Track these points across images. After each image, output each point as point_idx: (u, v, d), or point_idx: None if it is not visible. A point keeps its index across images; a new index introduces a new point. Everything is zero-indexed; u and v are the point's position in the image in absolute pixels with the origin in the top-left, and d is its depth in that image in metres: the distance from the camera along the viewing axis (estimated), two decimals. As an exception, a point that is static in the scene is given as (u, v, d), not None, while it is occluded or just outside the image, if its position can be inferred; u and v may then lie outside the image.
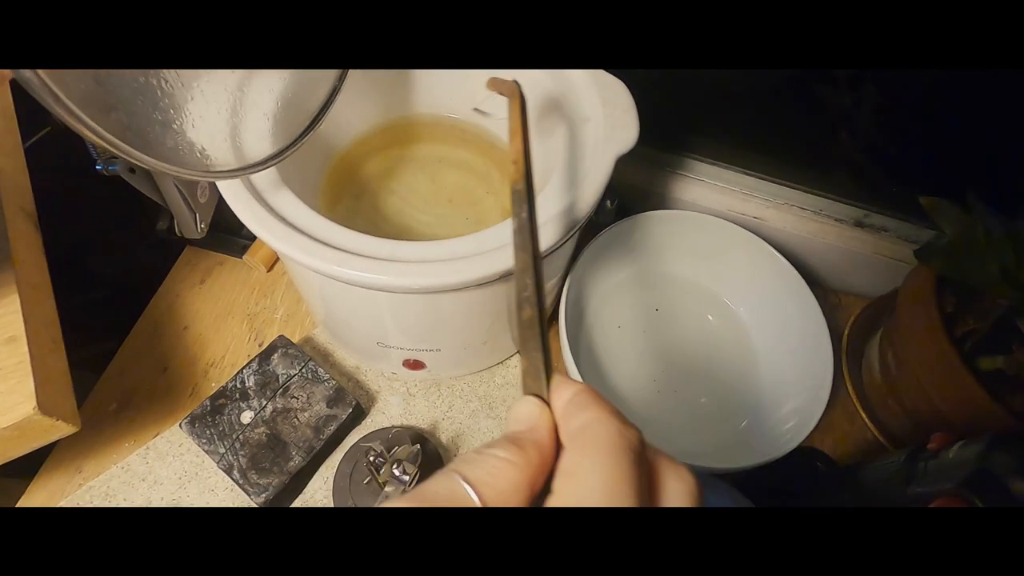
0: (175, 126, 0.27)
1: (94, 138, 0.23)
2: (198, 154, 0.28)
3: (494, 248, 0.30)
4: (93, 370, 0.45)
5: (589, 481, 0.15)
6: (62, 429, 0.30)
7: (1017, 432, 0.29)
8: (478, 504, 0.15)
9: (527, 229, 0.21)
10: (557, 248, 0.32)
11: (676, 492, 0.16)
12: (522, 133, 0.24)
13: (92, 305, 0.50)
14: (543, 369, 0.17)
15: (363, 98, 0.43)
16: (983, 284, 0.39)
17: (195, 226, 0.43)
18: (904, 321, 0.42)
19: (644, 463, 0.16)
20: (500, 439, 0.16)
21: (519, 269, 0.20)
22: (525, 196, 0.22)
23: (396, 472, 0.34)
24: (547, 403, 0.17)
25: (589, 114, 0.36)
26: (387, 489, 0.35)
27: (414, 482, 0.35)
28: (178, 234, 0.44)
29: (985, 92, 0.46)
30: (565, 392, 0.17)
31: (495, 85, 0.31)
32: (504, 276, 0.31)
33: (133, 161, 0.25)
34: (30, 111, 0.41)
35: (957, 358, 0.38)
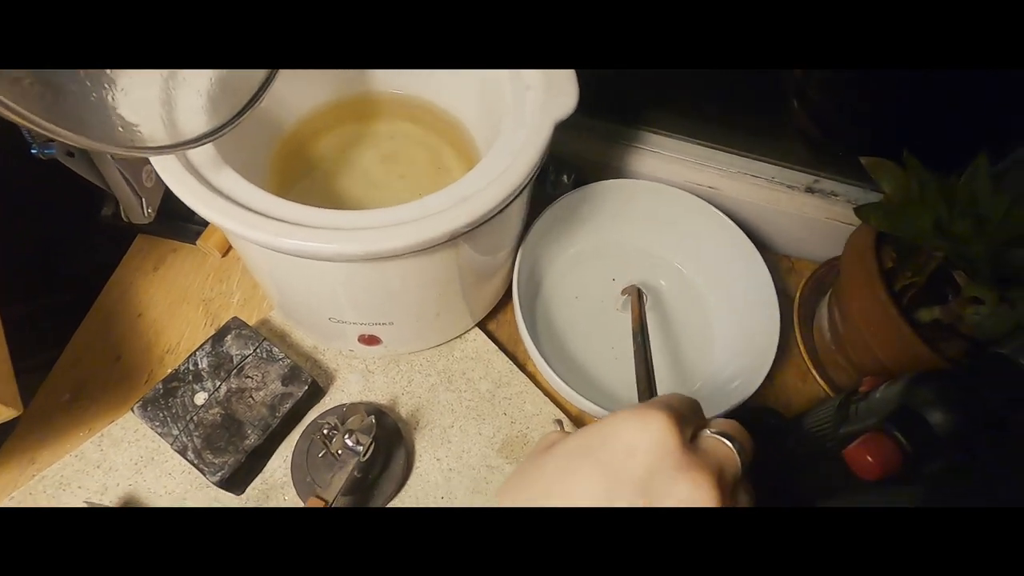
0: (100, 99, 0.27)
1: (12, 117, 0.22)
2: (126, 129, 0.28)
3: (436, 212, 0.30)
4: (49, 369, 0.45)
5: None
6: (3, 413, 0.30)
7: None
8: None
9: (642, 352, 0.36)
10: (497, 213, 0.32)
11: (728, 423, 0.23)
12: (640, 310, 0.41)
13: (46, 308, 0.49)
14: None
15: (310, 77, 0.43)
16: (918, 237, 0.41)
17: (142, 211, 0.42)
18: (847, 277, 0.43)
19: (698, 407, 0.25)
20: None
21: (638, 363, 0.35)
22: (640, 332, 0.37)
23: (349, 443, 0.34)
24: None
25: (530, 82, 0.36)
26: (341, 458, 0.35)
27: (368, 452, 0.35)
28: (125, 219, 0.44)
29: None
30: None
31: (626, 291, 0.47)
32: (448, 240, 0.31)
33: (62, 140, 0.24)
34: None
35: (894, 309, 0.39)
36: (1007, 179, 0.40)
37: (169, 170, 0.30)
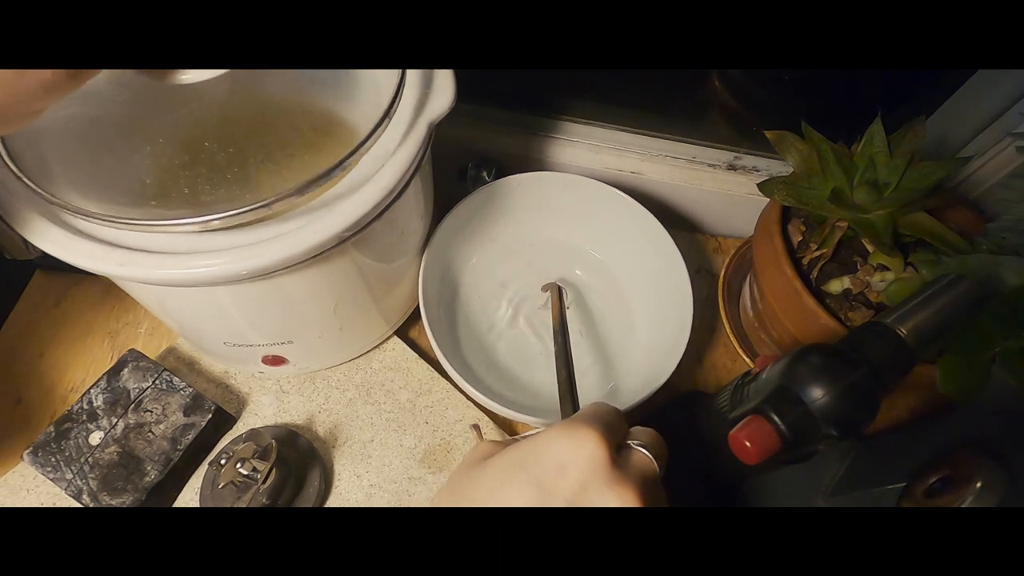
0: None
1: None
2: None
3: (311, 221, 0.29)
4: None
5: (585, 410, 0.25)
6: None
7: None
8: None
9: (563, 353, 0.35)
10: (376, 217, 0.31)
11: (644, 433, 0.25)
12: (559, 308, 0.40)
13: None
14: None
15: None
16: (820, 208, 0.40)
17: (24, 246, 0.40)
18: (758, 253, 0.43)
19: (621, 417, 0.25)
20: None
21: (559, 365, 0.34)
22: (560, 331, 0.37)
23: (243, 471, 0.33)
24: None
25: (408, 80, 0.35)
26: (241, 486, 0.33)
27: (268, 478, 0.34)
28: (9, 256, 0.42)
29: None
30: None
31: (546, 288, 0.47)
32: (330, 249, 0.30)
33: None
34: None
35: (799, 282, 0.39)
36: (902, 144, 0.40)
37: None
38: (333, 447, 0.42)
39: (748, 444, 0.25)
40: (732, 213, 0.59)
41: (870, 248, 0.42)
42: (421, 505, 0.40)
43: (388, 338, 0.46)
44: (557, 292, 0.43)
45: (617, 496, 0.21)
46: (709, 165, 0.58)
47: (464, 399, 0.44)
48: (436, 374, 0.45)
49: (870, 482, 0.37)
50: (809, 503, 0.41)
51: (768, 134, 0.44)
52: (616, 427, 0.24)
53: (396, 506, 0.40)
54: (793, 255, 0.41)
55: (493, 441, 0.25)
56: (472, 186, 0.51)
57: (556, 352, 0.35)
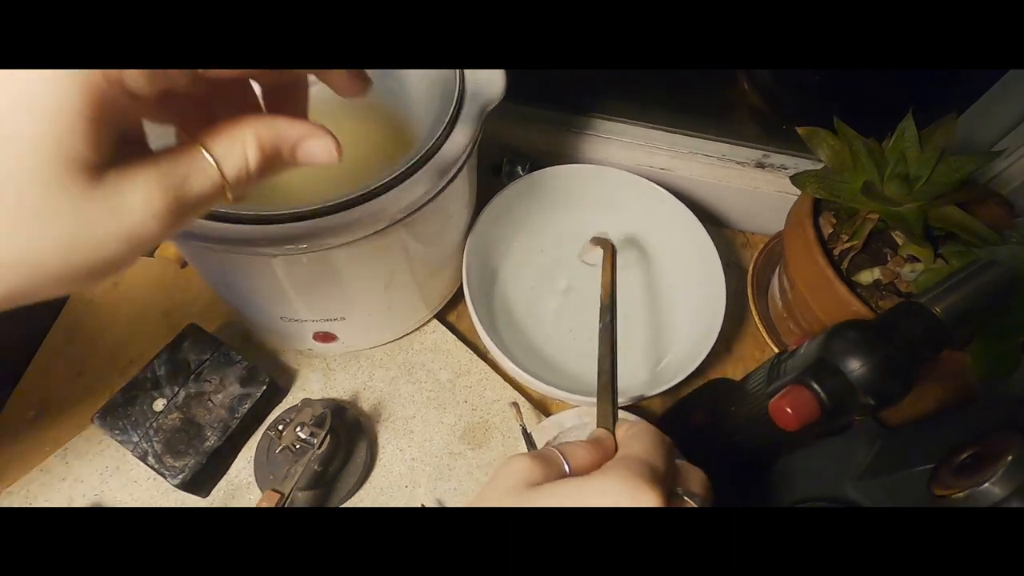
0: None
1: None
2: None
3: (371, 201, 0.31)
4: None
5: (636, 446, 0.23)
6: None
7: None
8: (567, 470, 0.23)
9: (608, 331, 0.32)
10: (429, 200, 0.33)
11: (694, 478, 0.24)
12: (611, 273, 0.37)
13: (8, 328, 0.49)
14: (611, 415, 0.28)
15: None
16: (852, 201, 0.42)
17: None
18: (789, 245, 0.44)
19: (673, 454, 0.24)
20: (586, 440, 0.25)
21: (601, 355, 0.31)
22: (609, 308, 0.34)
23: (302, 435, 0.35)
24: (612, 433, 0.26)
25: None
26: (298, 451, 0.35)
27: (323, 444, 0.36)
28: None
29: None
30: (625, 425, 0.25)
31: (596, 242, 0.42)
32: (384, 228, 0.32)
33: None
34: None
35: (831, 271, 0.40)
36: (933, 139, 0.41)
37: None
38: (377, 422, 0.44)
39: (789, 411, 0.26)
40: (759, 211, 0.60)
41: (899, 240, 0.43)
42: (461, 479, 0.42)
43: (428, 321, 0.48)
44: (611, 251, 0.39)
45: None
46: (738, 163, 0.60)
47: (502, 381, 0.46)
48: (475, 356, 0.47)
49: (899, 465, 0.38)
50: (837, 487, 0.42)
51: (800, 130, 0.46)
52: (668, 471, 0.23)
53: (437, 479, 0.42)
54: (824, 246, 0.42)
55: (528, 457, 0.23)
56: (507, 180, 0.53)
57: (601, 332, 0.32)
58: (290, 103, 0.21)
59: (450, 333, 0.48)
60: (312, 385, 0.45)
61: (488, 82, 0.36)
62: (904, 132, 0.41)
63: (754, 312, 0.51)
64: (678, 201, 0.49)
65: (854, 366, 0.26)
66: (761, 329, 0.50)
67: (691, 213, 0.48)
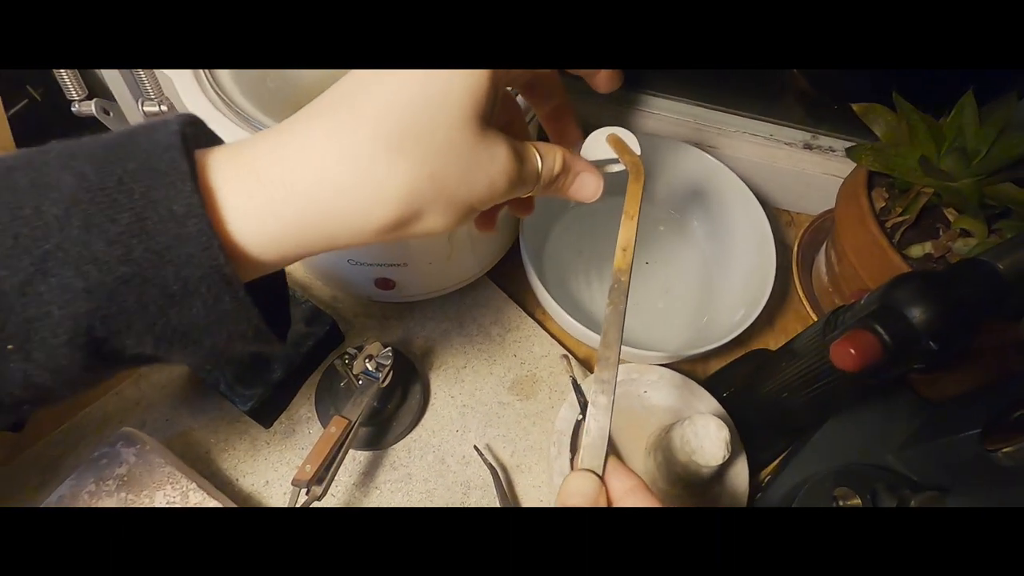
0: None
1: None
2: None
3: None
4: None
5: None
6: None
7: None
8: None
9: (621, 324, 0.23)
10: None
11: None
12: (637, 217, 0.25)
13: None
14: (604, 451, 0.21)
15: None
16: (907, 175, 0.42)
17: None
18: (841, 216, 0.45)
19: None
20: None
21: (602, 357, 0.22)
22: (627, 289, 0.24)
23: (368, 366, 0.37)
24: (601, 478, 0.21)
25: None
26: (361, 386, 0.37)
27: (387, 379, 0.38)
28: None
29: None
30: (624, 482, 0.21)
31: (618, 147, 0.27)
32: None
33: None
34: (7, 83, 0.43)
35: (885, 240, 0.41)
36: (992, 116, 0.41)
37: (199, 105, 0.33)
38: (430, 369, 0.45)
39: (852, 351, 0.27)
40: (805, 191, 0.61)
41: (951, 217, 0.43)
42: (509, 427, 0.44)
43: (479, 278, 0.49)
44: (639, 177, 0.26)
45: None
46: (786, 143, 0.60)
47: (549, 337, 0.47)
48: (523, 313, 0.48)
49: (944, 434, 0.39)
50: (878, 456, 0.43)
51: (855, 106, 0.47)
52: None
53: (487, 425, 0.43)
54: (877, 217, 0.43)
55: (589, 476, 0.21)
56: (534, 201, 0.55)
57: (612, 291, 0.24)
58: (566, 117, 0.28)
59: (500, 290, 0.49)
60: (368, 332, 0.47)
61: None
62: (964, 108, 0.41)
63: (798, 287, 0.52)
64: (732, 173, 0.50)
65: (917, 312, 0.27)
66: (805, 303, 0.51)
67: (745, 186, 0.49)
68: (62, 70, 0.39)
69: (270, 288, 0.22)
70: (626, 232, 0.25)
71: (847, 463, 0.42)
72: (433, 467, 0.42)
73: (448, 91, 0.19)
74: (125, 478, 0.36)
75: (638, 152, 0.26)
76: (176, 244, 0.16)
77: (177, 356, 0.19)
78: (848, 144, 0.60)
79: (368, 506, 0.40)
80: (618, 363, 0.22)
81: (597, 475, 0.21)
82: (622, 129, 0.27)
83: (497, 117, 0.23)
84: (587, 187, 0.25)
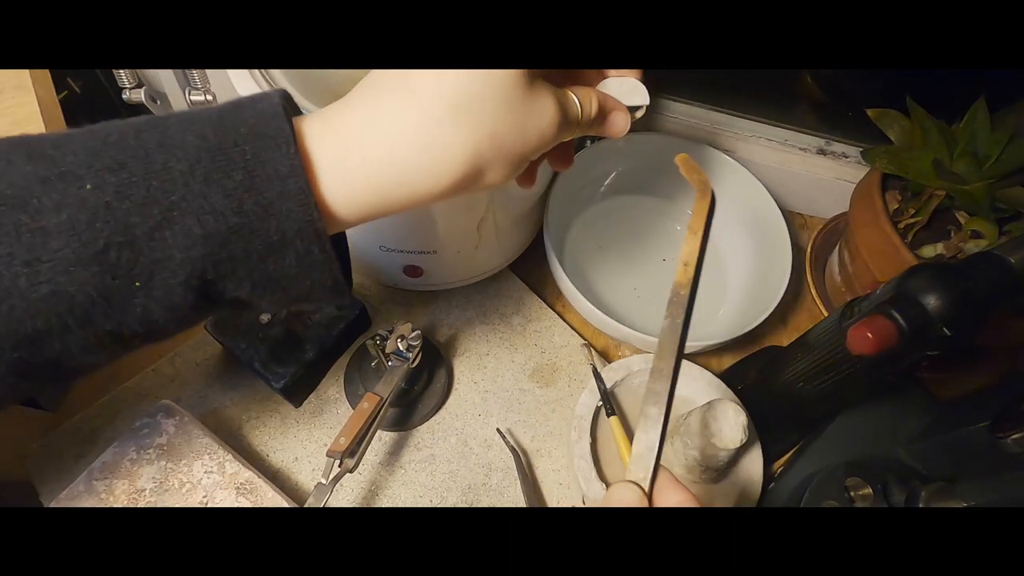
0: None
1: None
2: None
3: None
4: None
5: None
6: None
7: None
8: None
9: (678, 337, 0.22)
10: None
11: None
12: (703, 235, 0.25)
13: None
14: (654, 462, 0.21)
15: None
16: (920, 177, 0.44)
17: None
18: (855, 216, 0.47)
19: None
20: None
21: (656, 368, 0.22)
22: (686, 303, 0.23)
23: (400, 346, 0.38)
24: (646, 493, 0.21)
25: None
26: (390, 364, 0.39)
27: (416, 360, 0.39)
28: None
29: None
30: (673, 495, 0.21)
31: (688, 169, 0.27)
32: None
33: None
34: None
35: (898, 239, 0.42)
36: (1003, 122, 0.43)
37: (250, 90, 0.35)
38: (454, 356, 0.47)
39: (869, 335, 0.28)
40: (817, 195, 0.62)
41: (962, 219, 0.45)
42: (529, 412, 0.45)
43: (501, 270, 0.51)
44: (710, 198, 0.25)
45: None
46: (800, 149, 0.62)
47: (568, 328, 0.49)
48: (544, 305, 0.50)
49: (952, 428, 0.40)
50: (889, 450, 0.44)
51: (870, 112, 0.48)
52: None
53: (508, 410, 0.45)
54: (891, 218, 0.44)
55: (633, 487, 0.21)
56: (574, 151, 0.57)
57: (665, 330, 0.23)
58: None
59: (521, 282, 0.51)
60: (394, 318, 0.48)
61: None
62: (976, 114, 0.43)
63: (811, 286, 0.53)
64: (751, 175, 0.51)
65: (932, 299, 0.29)
66: (818, 302, 0.52)
67: (763, 188, 0.51)
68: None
69: (338, 246, 0.24)
70: (688, 247, 0.25)
71: (858, 455, 0.43)
72: (456, 449, 0.43)
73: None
74: (165, 447, 0.37)
75: (646, 101, 0.28)
76: (279, 200, 0.19)
77: (266, 302, 0.21)
78: (860, 149, 0.61)
79: (393, 484, 0.41)
80: (674, 377, 0.22)
81: (642, 488, 0.20)
82: (625, 78, 0.28)
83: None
84: (618, 123, 0.27)
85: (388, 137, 0.20)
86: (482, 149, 0.21)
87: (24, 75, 0.41)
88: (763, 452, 0.42)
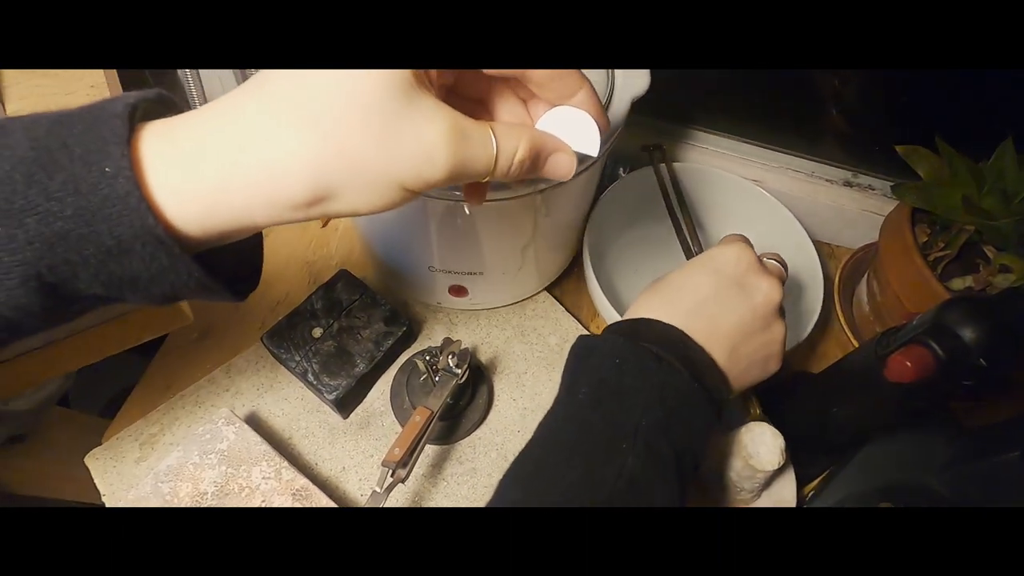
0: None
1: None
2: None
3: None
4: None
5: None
6: (180, 317, 0.37)
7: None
8: None
9: None
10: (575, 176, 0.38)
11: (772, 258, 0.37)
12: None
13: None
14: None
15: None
16: (950, 213, 0.45)
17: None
18: (885, 249, 0.48)
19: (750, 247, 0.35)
20: None
21: None
22: None
23: (451, 363, 0.40)
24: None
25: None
26: (438, 379, 0.41)
27: (464, 375, 0.41)
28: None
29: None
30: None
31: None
32: (531, 193, 0.37)
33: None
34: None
35: (929, 272, 0.44)
36: (1031, 161, 0.44)
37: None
38: (494, 373, 0.49)
39: (908, 364, 0.30)
40: (843, 226, 0.64)
41: (990, 253, 0.46)
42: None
43: (539, 292, 0.53)
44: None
45: (765, 281, 0.32)
46: (826, 180, 0.64)
47: (604, 350, 0.50)
48: (581, 326, 0.52)
49: (982, 456, 0.41)
50: (919, 479, 0.45)
51: (899, 148, 0.50)
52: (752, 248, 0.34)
53: (546, 428, 0.46)
54: (921, 251, 0.46)
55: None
56: (609, 182, 0.59)
57: None
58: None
59: (559, 304, 0.53)
60: (436, 335, 0.50)
61: (634, 77, 0.42)
62: (1004, 152, 0.45)
63: (840, 315, 0.55)
64: (781, 206, 0.53)
65: (969, 331, 0.30)
66: (846, 330, 0.54)
67: (794, 218, 0.53)
68: (188, 81, 0.44)
69: (242, 253, 0.24)
70: None
71: (889, 482, 0.44)
72: (496, 464, 0.45)
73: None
74: (225, 453, 0.39)
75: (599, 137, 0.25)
76: (106, 203, 0.17)
77: (133, 299, 0.20)
78: (886, 183, 0.63)
79: (436, 495, 0.43)
80: None
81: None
82: (577, 110, 0.25)
83: (468, 89, 0.24)
84: (560, 167, 0.24)
85: (227, 142, 0.19)
86: (327, 167, 0.19)
87: (99, 76, 0.43)
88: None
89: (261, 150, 0.19)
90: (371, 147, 0.19)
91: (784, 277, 0.35)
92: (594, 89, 0.25)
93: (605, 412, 0.27)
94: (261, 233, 0.24)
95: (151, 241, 0.18)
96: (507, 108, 0.26)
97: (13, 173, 0.17)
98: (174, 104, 0.21)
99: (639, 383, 0.27)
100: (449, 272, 0.45)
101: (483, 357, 0.49)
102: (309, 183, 0.19)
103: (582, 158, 0.25)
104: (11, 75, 0.43)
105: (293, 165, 0.19)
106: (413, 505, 0.43)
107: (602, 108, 0.25)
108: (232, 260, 0.23)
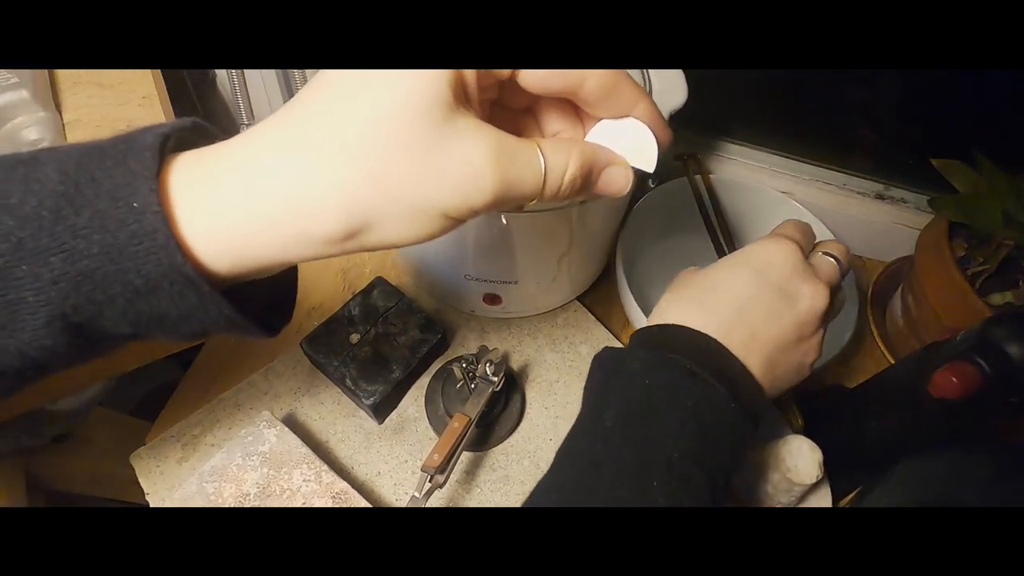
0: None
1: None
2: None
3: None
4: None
5: (784, 228, 0.34)
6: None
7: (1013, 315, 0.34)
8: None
9: None
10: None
11: (833, 246, 0.33)
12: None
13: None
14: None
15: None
16: (988, 226, 0.45)
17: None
18: (922, 264, 0.48)
19: (810, 232, 0.34)
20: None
21: None
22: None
23: (488, 370, 0.41)
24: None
25: (651, 79, 0.43)
26: (474, 387, 0.41)
27: (500, 383, 0.42)
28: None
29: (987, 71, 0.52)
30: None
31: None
32: (569, 205, 0.38)
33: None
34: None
35: (968, 286, 0.43)
36: (1073, 176, 0.44)
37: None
38: (525, 382, 0.49)
39: (955, 380, 0.30)
40: (874, 238, 0.64)
41: (1031, 269, 0.46)
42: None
43: (570, 302, 0.53)
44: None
45: (810, 287, 0.29)
46: (858, 192, 0.63)
47: (635, 360, 0.51)
48: (612, 336, 0.52)
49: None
50: (958, 496, 0.44)
51: (935, 162, 0.50)
52: (806, 241, 0.32)
53: (578, 437, 0.46)
54: (959, 266, 0.45)
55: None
56: (638, 193, 0.59)
57: None
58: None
59: (589, 313, 0.53)
60: (469, 344, 0.51)
61: (671, 90, 0.42)
62: (1045, 167, 0.44)
63: (873, 329, 0.54)
64: (815, 217, 0.53)
65: (1016, 347, 0.30)
66: (880, 344, 0.53)
67: (828, 230, 0.53)
68: (238, 98, 0.45)
69: (275, 285, 0.23)
70: None
71: (928, 498, 0.44)
72: (529, 471, 0.45)
73: (393, 83, 0.18)
74: (267, 455, 0.40)
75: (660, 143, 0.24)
76: (133, 240, 0.17)
77: (161, 337, 0.19)
78: (919, 196, 0.63)
79: (470, 501, 0.43)
80: None
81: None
82: (632, 119, 0.23)
83: (515, 100, 0.22)
84: (614, 183, 0.23)
85: (258, 181, 0.18)
86: (362, 197, 0.18)
87: (149, 82, 0.45)
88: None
89: (293, 183, 0.18)
90: (409, 174, 0.18)
91: (836, 278, 0.31)
92: (653, 100, 0.23)
93: (633, 442, 0.25)
94: (296, 267, 0.23)
95: (179, 279, 0.17)
96: (557, 117, 0.24)
97: (40, 209, 0.17)
98: (209, 132, 0.21)
99: (671, 406, 0.25)
100: (484, 281, 0.46)
101: (515, 365, 0.50)
102: (343, 216, 0.18)
103: (635, 173, 0.23)
104: (67, 86, 0.45)
105: (326, 197, 0.18)
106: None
107: (663, 120, 0.23)
108: (265, 292, 0.22)
